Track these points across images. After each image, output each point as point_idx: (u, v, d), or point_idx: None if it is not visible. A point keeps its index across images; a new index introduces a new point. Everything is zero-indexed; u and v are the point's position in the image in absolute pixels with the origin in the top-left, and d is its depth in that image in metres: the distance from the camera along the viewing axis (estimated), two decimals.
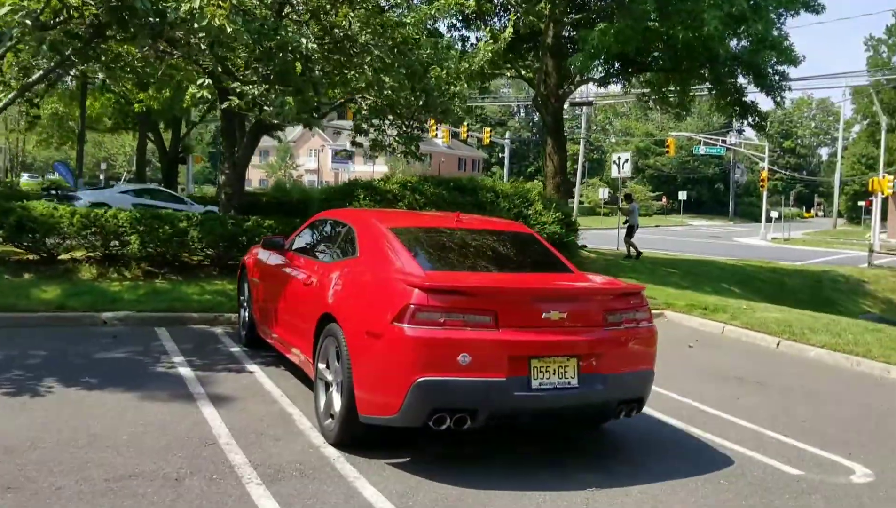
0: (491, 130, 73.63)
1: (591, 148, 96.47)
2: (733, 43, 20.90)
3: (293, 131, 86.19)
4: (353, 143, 13.62)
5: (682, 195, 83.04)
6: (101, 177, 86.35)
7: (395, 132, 14.01)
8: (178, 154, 43.42)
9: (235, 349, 8.60)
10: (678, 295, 14.36)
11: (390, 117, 13.94)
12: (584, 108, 70.00)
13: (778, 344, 10.70)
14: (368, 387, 5.17)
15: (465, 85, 13.95)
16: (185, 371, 7.47)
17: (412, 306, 4.92)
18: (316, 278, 6.38)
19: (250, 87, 10.80)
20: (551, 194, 20.32)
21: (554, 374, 5.11)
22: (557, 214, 16.27)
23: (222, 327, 9.76)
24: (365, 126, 13.56)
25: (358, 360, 5.27)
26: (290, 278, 7.00)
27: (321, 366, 5.88)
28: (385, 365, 5.05)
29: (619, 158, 28.45)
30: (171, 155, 42.86)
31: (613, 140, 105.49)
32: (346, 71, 12.34)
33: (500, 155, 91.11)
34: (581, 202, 74.41)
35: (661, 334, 11.14)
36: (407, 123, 13.51)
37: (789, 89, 21.67)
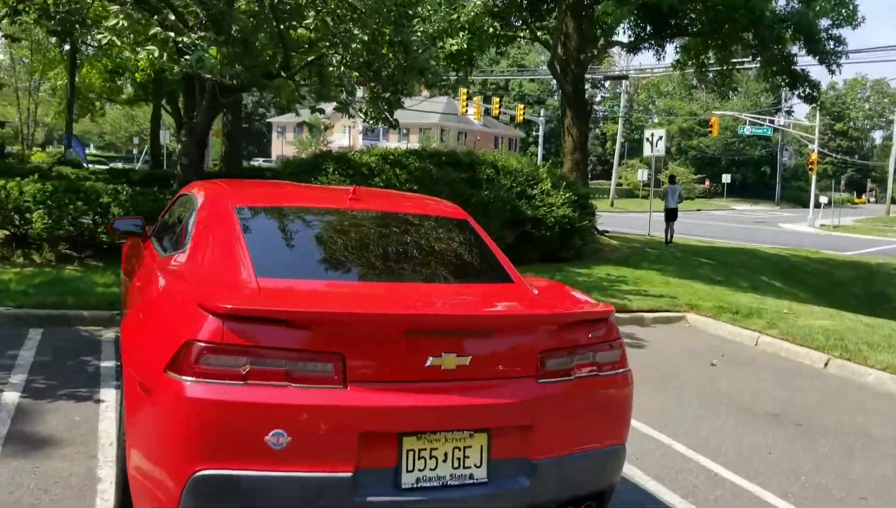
0: (525, 108, 70.87)
1: (633, 128, 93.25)
2: (781, 2, 18.40)
3: (328, 107, 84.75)
4: (314, 109, 11.52)
5: (727, 178, 79.65)
6: (135, 152, 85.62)
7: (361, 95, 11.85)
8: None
9: (108, 363, 6.62)
10: (706, 293, 12.10)
11: (368, 81, 11.84)
12: (623, 85, 67.16)
13: (826, 363, 8.44)
14: (138, 472, 3.15)
15: (463, 44, 11.79)
16: (11, 397, 5.52)
17: (198, 344, 2.85)
18: (140, 281, 4.37)
19: (174, 33, 8.79)
20: (569, 172, 18.07)
21: (445, 461, 3.02)
22: (568, 194, 14.06)
23: (116, 329, 7.80)
24: (328, 90, 11.40)
25: (131, 426, 3.25)
26: (132, 279, 4.98)
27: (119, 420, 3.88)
28: (154, 442, 3.00)
29: (652, 134, 25.97)
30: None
31: (656, 120, 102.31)
32: (309, 16, 10.25)
33: (537, 134, 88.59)
34: (619, 184, 71.83)
35: (678, 345, 8.94)
36: (385, 85, 11.37)
37: (846, 56, 19.12)
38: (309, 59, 12.33)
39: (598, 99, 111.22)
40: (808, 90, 19.92)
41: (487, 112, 65.70)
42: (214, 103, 12.90)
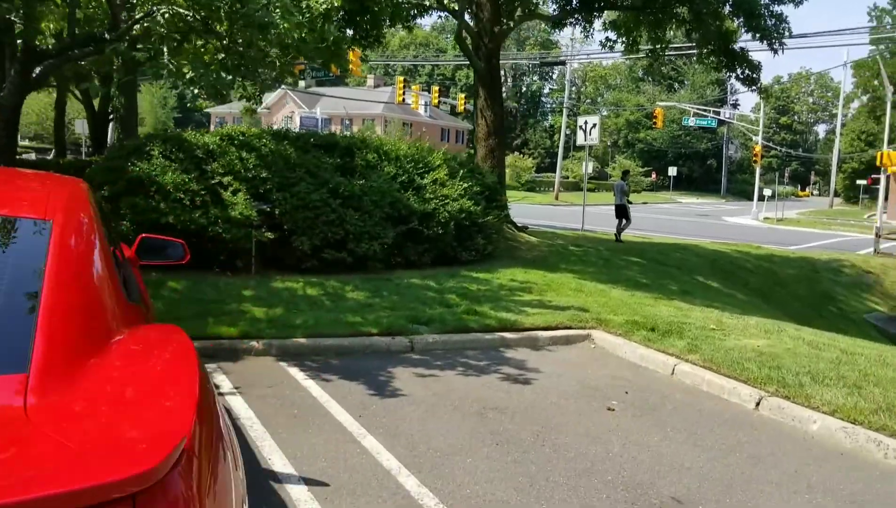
0: (469, 99, 68.74)
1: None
2: None
3: (268, 97, 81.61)
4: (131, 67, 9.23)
5: (673, 171, 78.98)
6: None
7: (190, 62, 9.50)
8: (108, 114, 39.20)
9: None
10: (622, 303, 10.07)
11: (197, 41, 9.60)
12: (568, 75, 65.42)
13: (758, 403, 6.45)
14: None
15: (333, 2, 9.57)
16: None
17: None
18: None
19: None
20: (482, 159, 15.99)
21: None
22: (468, 184, 11.98)
23: None
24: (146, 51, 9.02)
25: None
26: None
27: None
28: None
29: (585, 122, 24.05)
30: (102, 115, 38.57)
31: (604, 112, 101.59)
32: None
33: None
34: (566, 177, 70.46)
35: (575, 377, 6.80)
36: (224, 46, 9.12)
37: (788, 34, 17.37)
38: (138, 16, 10.02)
39: (546, 91, 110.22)
40: (747, 71, 18.17)
41: (432, 103, 63.53)
42: (25, 74, 10.57)
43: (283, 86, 79.49)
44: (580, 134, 24.14)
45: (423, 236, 11.09)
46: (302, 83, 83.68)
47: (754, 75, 18.23)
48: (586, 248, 16.74)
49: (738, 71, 18.25)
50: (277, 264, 10.11)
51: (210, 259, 9.59)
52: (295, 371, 6.62)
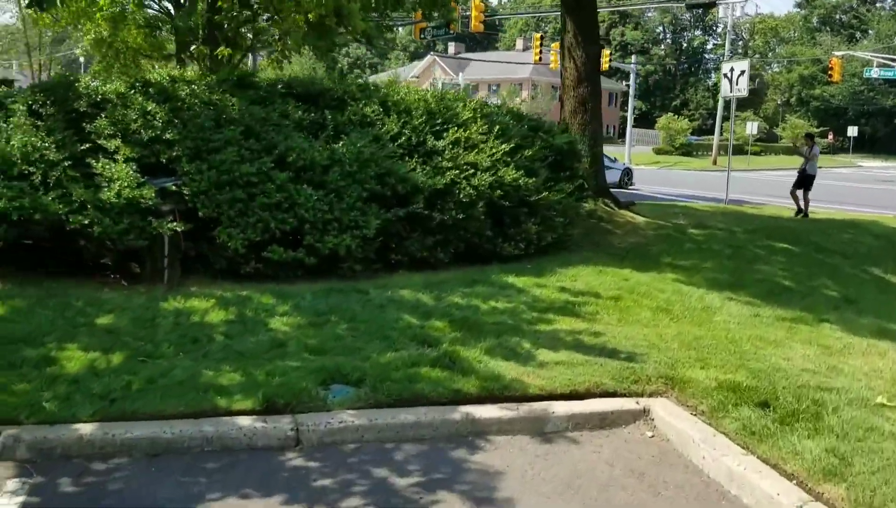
0: (624, 59, 63.57)
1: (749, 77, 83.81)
2: None
3: (417, 65, 79.75)
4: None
5: (853, 131, 69.92)
6: None
7: None
8: None
9: None
10: (729, 338, 6.13)
11: None
12: (729, 24, 58.66)
13: None
14: None
15: None
16: None
17: None
18: None
19: None
20: (570, 114, 12.12)
21: None
22: (510, 145, 8.29)
23: None
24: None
25: None
26: None
27: None
28: None
29: (731, 69, 19.77)
30: None
31: (775, 68, 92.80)
32: None
33: (642, 87, 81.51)
34: (726, 139, 64.00)
35: None
36: None
37: None
38: None
39: (709, 46, 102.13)
40: None
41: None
42: None
43: (431, 52, 77.15)
44: (724, 84, 19.84)
45: (432, 222, 7.59)
46: (451, 48, 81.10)
47: None
48: (714, 230, 12.53)
49: None
50: (207, 269, 6.96)
51: (97, 264, 6.63)
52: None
